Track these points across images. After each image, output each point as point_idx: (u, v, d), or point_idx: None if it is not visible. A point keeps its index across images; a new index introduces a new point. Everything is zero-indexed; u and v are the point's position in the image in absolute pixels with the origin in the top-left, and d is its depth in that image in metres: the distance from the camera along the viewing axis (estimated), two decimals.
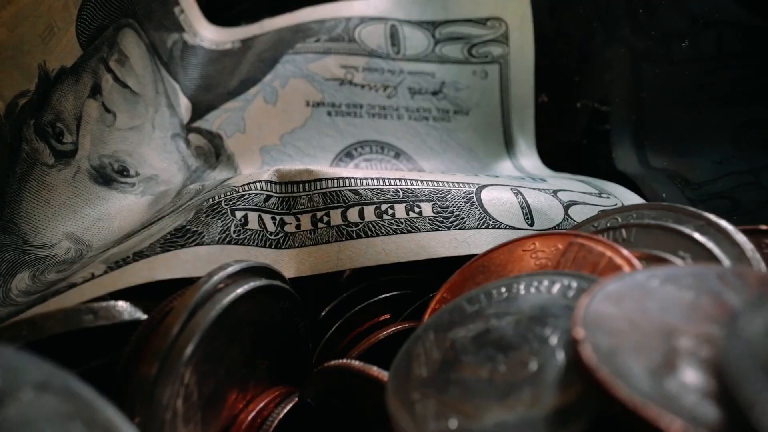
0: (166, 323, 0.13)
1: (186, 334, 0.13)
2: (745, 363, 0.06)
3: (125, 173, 0.20)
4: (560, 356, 0.10)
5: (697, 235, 0.13)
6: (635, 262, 0.12)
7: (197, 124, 0.23)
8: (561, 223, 0.18)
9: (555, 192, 0.19)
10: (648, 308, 0.09)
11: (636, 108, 0.25)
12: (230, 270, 0.14)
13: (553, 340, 0.10)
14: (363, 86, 0.25)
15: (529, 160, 0.27)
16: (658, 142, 0.24)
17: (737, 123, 0.21)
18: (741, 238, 0.13)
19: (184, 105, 0.24)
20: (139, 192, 0.20)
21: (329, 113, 0.25)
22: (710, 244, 0.13)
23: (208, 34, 0.26)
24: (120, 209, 0.19)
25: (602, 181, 0.22)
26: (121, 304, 0.14)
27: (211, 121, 0.24)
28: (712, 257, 0.12)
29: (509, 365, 0.10)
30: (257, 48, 0.26)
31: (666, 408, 0.07)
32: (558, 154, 0.27)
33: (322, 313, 0.17)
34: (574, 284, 0.11)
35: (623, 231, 0.14)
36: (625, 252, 0.12)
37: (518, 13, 0.26)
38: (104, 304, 0.14)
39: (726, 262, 0.12)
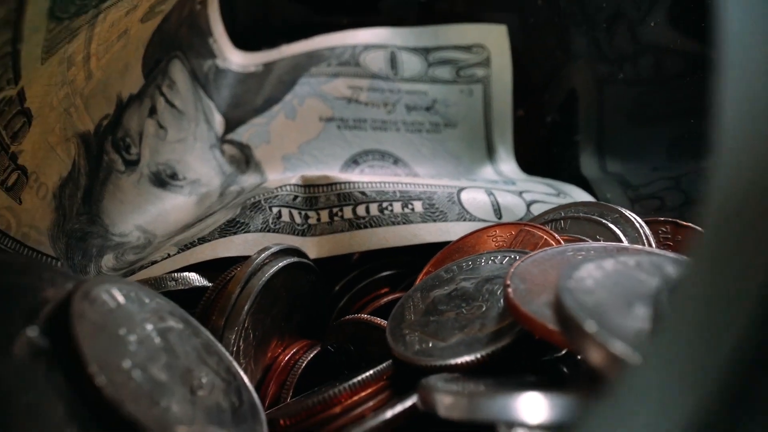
0: (229, 287, 0.18)
1: (243, 295, 0.18)
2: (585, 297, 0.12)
3: (175, 177, 0.26)
4: (500, 302, 0.15)
5: (611, 225, 0.19)
6: (561, 241, 0.17)
7: (230, 136, 0.29)
8: (523, 217, 0.23)
9: (521, 193, 0.25)
10: (557, 266, 0.15)
11: (596, 121, 0.30)
12: (272, 250, 0.19)
13: (497, 291, 0.16)
14: (367, 104, 0.31)
15: (507, 165, 0.32)
16: (613, 151, 0.29)
17: (671, 136, 0.26)
18: (640, 225, 0.18)
19: (218, 120, 0.29)
20: (187, 193, 0.26)
21: (338, 127, 0.30)
22: (618, 231, 0.18)
23: (235, 59, 0.31)
24: (174, 206, 0.25)
25: (563, 184, 0.28)
26: (193, 275, 0.19)
27: (241, 134, 0.29)
28: (618, 239, 0.18)
29: (468, 309, 0.16)
30: (277, 71, 0.31)
31: (544, 320, 0.12)
32: (532, 160, 0.32)
33: (337, 287, 0.23)
34: (517, 257, 0.17)
35: (561, 222, 0.20)
36: (556, 236, 0.18)
37: (498, 42, 0.32)
38: (181, 274, 0.19)
39: (626, 241, 0.18)
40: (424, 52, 0.32)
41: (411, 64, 0.32)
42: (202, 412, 0.11)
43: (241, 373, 0.14)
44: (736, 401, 0.06)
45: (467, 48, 0.32)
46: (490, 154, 0.32)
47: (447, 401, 0.10)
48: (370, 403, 0.14)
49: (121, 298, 0.12)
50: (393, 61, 0.32)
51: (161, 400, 0.10)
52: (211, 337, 0.14)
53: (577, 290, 0.11)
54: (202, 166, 0.27)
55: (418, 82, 0.32)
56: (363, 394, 0.14)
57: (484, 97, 0.32)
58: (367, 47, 0.32)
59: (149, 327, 0.12)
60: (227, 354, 0.14)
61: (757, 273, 0.07)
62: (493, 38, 0.32)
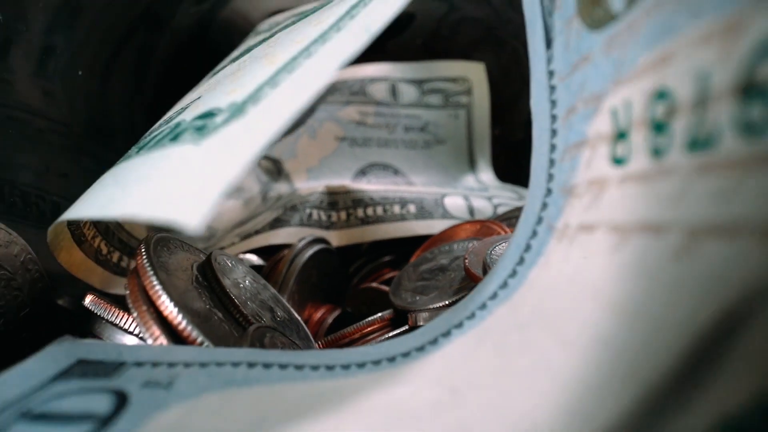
0: (279, 265, 0.27)
1: (290, 270, 0.27)
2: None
3: None
4: (463, 270, 0.24)
5: None
6: (507, 231, 0.26)
7: (265, 152, 0.38)
8: (490, 216, 0.32)
9: (491, 197, 0.34)
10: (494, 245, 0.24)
11: None
12: (307, 240, 0.28)
13: (461, 264, 0.25)
14: (372, 126, 0.40)
15: (486, 174, 0.41)
16: None
17: None
18: None
19: None
20: (235, 197, 0.35)
21: (350, 145, 0.39)
22: None
23: None
24: (227, 208, 0.34)
25: (525, 189, 0.37)
26: (253, 256, 0.28)
27: (273, 150, 0.38)
28: None
29: (443, 277, 0.25)
30: None
31: (476, 268, 0.21)
32: (506, 170, 0.41)
33: (352, 267, 0.32)
34: (476, 243, 0.26)
35: (514, 219, 0.29)
36: (506, 228, 0.27)
37: (477, 75, 0.41)
38: (245, 255, 0.28)
39: None
40: (419, 83, 0.41)
41: (408, 93, 0.41)
42: (281, 327, 0.20)
43: (296, 315, 0.23)
44: None
45: (453, 80, 0.41)
46: (472, 165, 0.41)
47: (423, 316, 0.19)
48: (377, 333, 0.23)
49: (230, 262, 0.21)
50: (393, 91, 0.41)
51: (262, 316, 0.19)
52: (276, 293, 0.23)
53: (491, 257, 0.20)
54: (245, 177, 0.36)
55: (414, 108, 0.41)
56: (374, 327, 0.23)
57: (467, 119, 0.41)
58: (373, 80, 0.41)
59: (247, 280, 0.21)
60: (287, 304, 0.23)
61: None
62: (473, 72, 0.41)
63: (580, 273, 0.10)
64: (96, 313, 0.19)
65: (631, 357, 0.08)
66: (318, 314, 0.28)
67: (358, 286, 0.30)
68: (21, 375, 0.12)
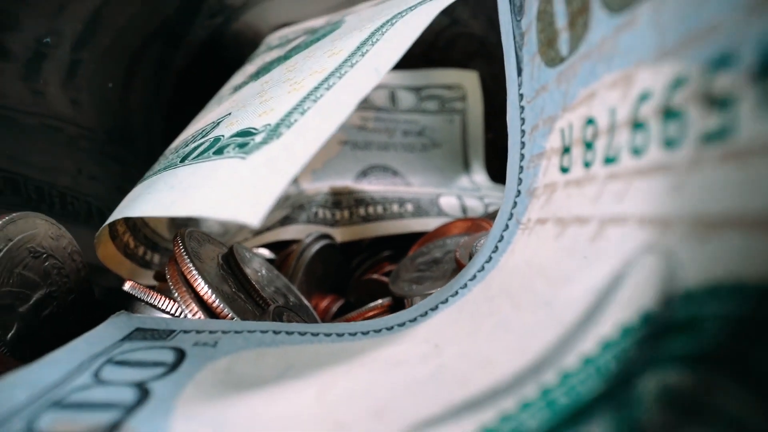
0: (289, 258, 0.30)
1: (299, 263, 0.30)
2: None
3: None
4: (453, 262, 0.27)
5: None
6: None
7: None
8: (482, 215, 0.35)
9: (482, 197, 0.37)
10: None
11: None
12: (314, 236, 0.31)
13: (453, 257, 0.28)
14: (373, 130, 0.43)
15: (479, 176, 0.44)
16: None
17: None
18: None
19: None
20: None
21: (352, 148, 0.42)
22: None
23: None
24: None
25: None
26: (265, 250, 0.32)
27: None
28: None
29: (437, 268, 0.28)
30: None
31: (465, 259, 0.24)
32: (499, 172, 0.45)
33: (354, 261, 0.35)
34: (466, 238, 0.29)
35: None
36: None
37: (471, 83, 0.44)
38: (257, 249, 0.31)
39: None
40: (417, 90, 0.44)
41: (406, 99, 0.44)
42: (295, 310, 0.23)
43: (306, 301, 0.26)
44: None
45: (449, 87, 0.44)
46: (466, 167, 0.45)
47: (417, 299, 0.22)
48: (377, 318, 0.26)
49: (248, 254, 0.24)
50: (393, 98, 0.44)
51: (278, 300, 0.22)
52: (288, 282, 0.27)
53: (476, 248, 0.23)
54: None
55: (412, 113, 0.44)
56: (374, 312, 0.26)
57: (462, 124, 0.45)
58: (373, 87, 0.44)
59: (264, 270, 0.24)
60: (298, 292, 0.27)
61: None
62: (468, 80, 0.44)
63: (534, 256, 0.14)
64: (135, 296, 0.22)
65: (562, 309, 0.11)
66: (323, 303, 0.32)
67: (360, 278, 0.34)
68: (95, 338, 0.15)
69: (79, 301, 0.24)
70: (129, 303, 0.23)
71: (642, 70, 0.10)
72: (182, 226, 0.33)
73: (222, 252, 0.23)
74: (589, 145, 0.12)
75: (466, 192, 0.38)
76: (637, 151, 0.10)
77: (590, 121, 0.12)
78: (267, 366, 0.13)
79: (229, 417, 0.10)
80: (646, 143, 0.10)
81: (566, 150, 0.14)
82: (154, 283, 0.25)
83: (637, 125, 0.10)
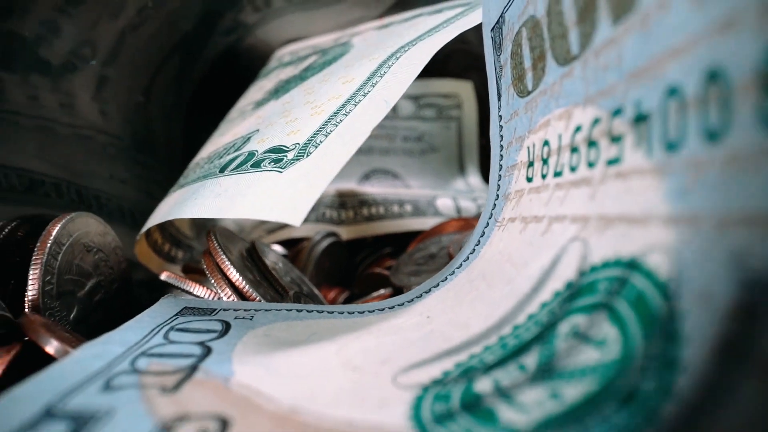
0: (301, 254, 0.34)
1: (311, 258, 0.34)
2: None
3: None
4: (447, 256, 0.31)
5: None
6: None
7: None
8: (474, 215, 0.39)
9: (475, 198, 0.41)
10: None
11: None
12: (322, 233, 0.35)
13: (447, 252, 0.32)
14: (375, 136, 0.47)
15: (474, 178, 0.48)
16: None
17: None
18: None
19: None
20: None
21: (356, 153, 0.46)
22: None
23: None
24: None
25: None
26: (277, 246, 0.36)
27: None
28: None
29: (432, 263, 0.32)
30: None
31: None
32: None
33: (358, 257, 0.39)
34: (458, 235, 0.33)
35: None
36: None
37: (466, 92, 0.48)
38: (271, 245, 0.35)
39: None
40: (416, 98, 0.48)
41: (406, 107, 0.48)
42: (309, 297, 0.27)
43: (317, 291, 0.30)
44: None
45: (446, 96, 0.48)
46: (462, 170, 0.49)
47: (413, 287, 0.26)
48: None
49: (266, 248, 0.28)
50: (394, 106, 0.48)
51: (293, 288, 0.26)
52: (301, 273, 0.31)
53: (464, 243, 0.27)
54: None
55: (411, 120, 0.48)
56: (377, 300, 0.30)
57: (458, 130, 0.49)
58: None
59: (280, 263, 0.28)
60: (309, 283, 0.31)
61: None
62: (463, 89, 0.48)
63: (505, 247, 0.18)
64: (171, 284, 0.26)
65: (520, 284, 0.15)
66: (331, 295, 0.36)
67: (364, 271, 0.38)
68: (155, 312, 0.19)
69: (120, 289, 0.28)
70: (167, 289, 0.27)
71: (576, 110, 0.14)
72: (202, 227, 0.37)
73: (245, 247, 0.27)
74: (545, 161, 0.16)
75: (461, 194, 0.42)
76: (573, 168, 0.14)
77: (546, 143, 0.16)
78: (295, 332, 0.17)
79: (273, 362, 0.14)
80: (578, 162, 0.14)
81: (531, 164, 0.18)
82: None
83: (573, 149, 0.14)
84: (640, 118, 0.11)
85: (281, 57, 0.40)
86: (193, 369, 0.14)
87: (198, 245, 0.37)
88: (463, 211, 0.40)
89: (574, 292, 0.12)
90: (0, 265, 0.22)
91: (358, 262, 0.39)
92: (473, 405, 0.10)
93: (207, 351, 0.15)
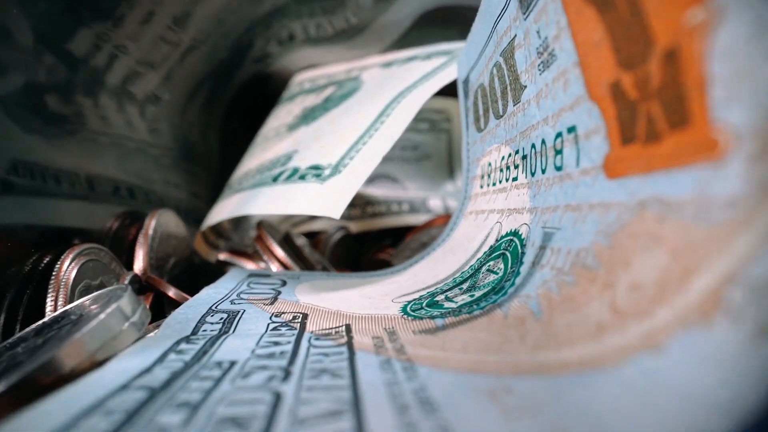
0: (318, 244, 0.45)
1: (326, 247, 0.45)
2: None
3: None
4: None
5: None
6: None
7: None
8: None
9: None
10: None
11: None
12: (336, 227, 0.46)
13: None
14: None
15: (461, 181, 0.59)
16: None
17: None
18: None
19: None
20: None
21: None
22: None
23: None
24: None
25: None
26: (303, 238, 0.46)
27: None
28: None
29: (424, 251, 0.43)
30: None
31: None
32: None
33: (364, 247, 0.50)
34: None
35: None
36: None
37: (455, 108, 0.59)
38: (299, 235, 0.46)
39: None
40: None
41: None
42: None
43: (334, 271, 0.41)
44: None
45: (438, 111, 0.59)
46: (451, 175, 0.59)
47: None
48: None
49: (296, 237, 0.39)
50: None
51: (318, 266, 0.37)
52: (321, 257, 0.41)
53: None
54: None
55: (409, 132, 0.59)
56: None
57: (448, 141, 0.59)
58: None
59: (307, 248, 0.39)
60: (328, 264, 0.41)
61: None
62: (452, 106, 0.59)
63: (465, 230, 0.28)
64: (229, 262, 0.36)
65: (469, 251, 0.26)
66: None
67: (370, 258, 0.48)
68: (232, 276, 0.29)
69: (187, 267, 0.38)
70: (225, 267, 0.38)
71: (501, 147, 0.25)
72: (237, 223, 0.48)
73: (281, 235, 0.38)
74: (489, 176, 0.27)
75: (449, 194, 0.53)
76: (500, 181, 0.25)
77: (489, 164, 0.27)
78: (329, 284, 0.28)
79: (321, 295, 0.25)
80: (501, 179, 0.25)
81: (482, 176, 0.28)
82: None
83: (500, 170, 0.25)
84: (524, 157, 0.22)
85: (301, 82, 0.50)
86: (275, 297, 0.24)
87: (234, 236, 0.48)
88: (449, 210, 0.50)
89: (492, 250, 0.23)
90: (117, 244, 0.33)
91: (364, 250, 0.50)
92: (431, 303, 0.21)
93: (278, 293, 0.26)
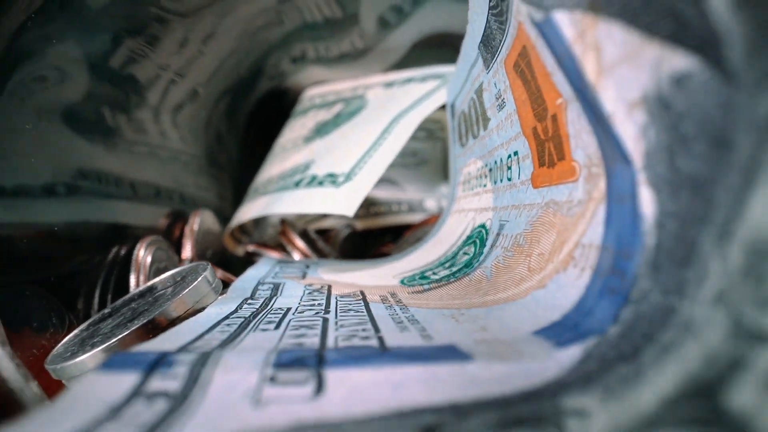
0: (329, 240, 0.54)
1: (336, 242, 0.54)
2: None
3: None
4: None
5: None
6: None
7: None
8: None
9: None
10: None
11: None
12: (343, 225, 0.55)
13: None
14: None
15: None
16: None
17: None
18: None
19: None
20: None
21: None
22: None
23: None
24: None
25: None
26: (315, 234, 0.55)
27: None
28: None
29: (418, 243, 0.51)
30: None
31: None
32: None
33: (368, 242, 0.58)
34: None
35: None
36: None
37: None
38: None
39: None
40: None
41: None
42: None
43: None
44: None
45: (434, 121, 0.68)
46: (446, 178, 0.68)
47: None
48: None
49: (311, 232, 0.47)
50: None
51: (332, 255, 0.46)
52: (333, 250, 0.50)
53: None
54: None
55: (408, 140, 0.67)
56: None
57: (443, 148, 0.68)
58: None
59: (320, 241, 0.48)
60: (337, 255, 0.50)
61: None
62: (446, 117, 0.67)
63: (451, 225, 0.37)
64: (256, 253, 0.45)
65: (452, 240, 0.34)
66: None
67: (373, 252, 0.57)
68: (264, 263, 0.38)
69: (222, 259, 0.47)
70: (254, 258, 0.46)
71: (477, 161, 0.34)
72: (258, 221, 0.57)
73: (299, 230, 0.46)
74: (469, 182, 0.36)
75: (444, 196, 0.62)
76: (476, 187, 0.34)
77: (469, 173, 0.36)
78: (343, 268, 0.36)
79: (338, 274, 0.34)
80: (476, 185, 0.33)
81: (464, 183, 0.37)
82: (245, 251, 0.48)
83: (476, 178, 0.34)
84: (491, 170, 0.30)
85: (312, 98, 0.59)
86: (304, 275, 0.33)
87: (254, 233, 0.56)
88: (443, 209, 0.59)
89: (468, 239, 0.31)
90: (167, 237, 0.41)
91: (368, 246, 0.58)
92: (422, 276, 0.29)
93: (305, 272, 0.34)
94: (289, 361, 0.14)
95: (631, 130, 0.14)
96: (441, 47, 0.59)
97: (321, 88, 0.61)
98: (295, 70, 0.61)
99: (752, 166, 0.10)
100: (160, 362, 0.13)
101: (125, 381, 0.13)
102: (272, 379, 0.13)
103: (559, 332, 0.15)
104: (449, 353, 0.14)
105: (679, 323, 0.12)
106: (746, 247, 0.10)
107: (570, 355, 0.14)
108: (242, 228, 0.54)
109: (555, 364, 0.13)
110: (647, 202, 0.14)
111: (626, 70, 0.13)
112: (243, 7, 0.53)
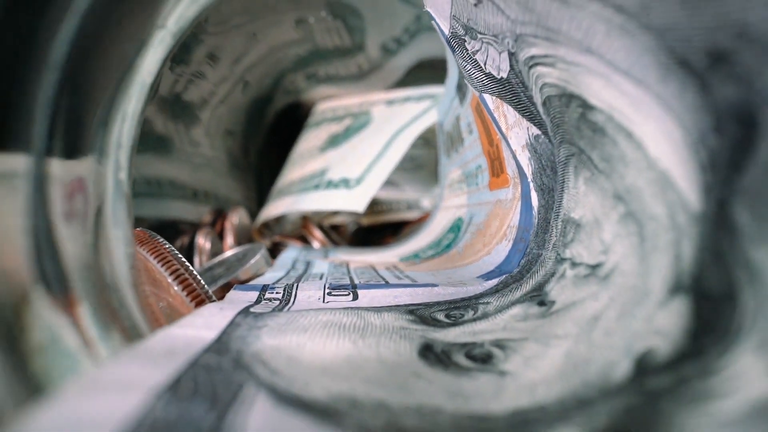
0: (341, 233, 0.66)
1: (347, 234, 0.66)
2: None
3: None
4: None
5: None
6: None
7: None
8: None
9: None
10: None
11: None
12: (351, 221, 0.67)
13: None
14: None
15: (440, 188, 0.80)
16: None
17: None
18: None
19: None
20: None
21: None
22: None
23: None
24: None
25: None
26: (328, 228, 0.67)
27: None
28: None
29: (416, 235, 0.63)
30: None
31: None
32: None
33: (373, 237, 0.71)
34: None
35: None
36: None
37: None
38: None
39: None
40: None
41: None
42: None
43: None
44: None
45: (431, 130, 0.80)
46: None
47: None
48: None
49: (326, 226, 0.60)
50: None
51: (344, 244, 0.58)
52: (342, 240, 0.62)
53: None
54: None
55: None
56: None
57: (437, 155, 0.80)
58: None
59: (333, 233, 0.60)
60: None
61: None
62: None
63: (440, 219, 0.49)
64: (281, 243, 0.57)
65: (439, 229, 0.47)
66: None
67: (377, 244, 0.69)
68: (291, 252, 0.50)
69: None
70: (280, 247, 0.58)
71: (457, 170, 0.46)
72: (280, 217, 0.69)
73: (317, 223, 0.59)
74: (452, 186, 0.48)
75: (438, 196, 0.74)
76: (457, 189, 0.46)
77: (453, 179, 0.48)
78: (355, 252, 0.49)
79: (351, 256, 0.46)
80: (458, 188, 0.46)
81: (450, 186, 0.49)
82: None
83: (458, 182, 0.46)
84: (467, 177, 0.42)
85: (323, 111, 0.71)
86: (326, 256, 0.45)
87: (275, 228, 0.69)
88: None
89: (450, 228, 0.43)
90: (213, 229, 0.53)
91: (372, 239, 0.70)
92: (415, 255, 0.42)
93: (326, 255, 0.46)
94: (336, 286, 0.26)
95: (524, 160, 0.26)
96: (432, 69, 0.71)
97: (331, 102, 0.73)
98: (308, 86, 0.74)
99: (563, 179, 0.22)
100: (266, 287, 0.26)
101: (252, 294, 0.25)
102: (329, 293, 0.25)
103: (489, 275, 0.28)
104: (425, 284, 0.27)
105: (540, 261, 0.24)
106: (563, 221, 0.22)
107: (492, 283, 0.26)
108: (266, 224, 0.66)
109: (482, 287, 0.25)
110: (535, 199, 0.26)
111: (517, 129, 0.25)
112: (274, 30, 0.65)
